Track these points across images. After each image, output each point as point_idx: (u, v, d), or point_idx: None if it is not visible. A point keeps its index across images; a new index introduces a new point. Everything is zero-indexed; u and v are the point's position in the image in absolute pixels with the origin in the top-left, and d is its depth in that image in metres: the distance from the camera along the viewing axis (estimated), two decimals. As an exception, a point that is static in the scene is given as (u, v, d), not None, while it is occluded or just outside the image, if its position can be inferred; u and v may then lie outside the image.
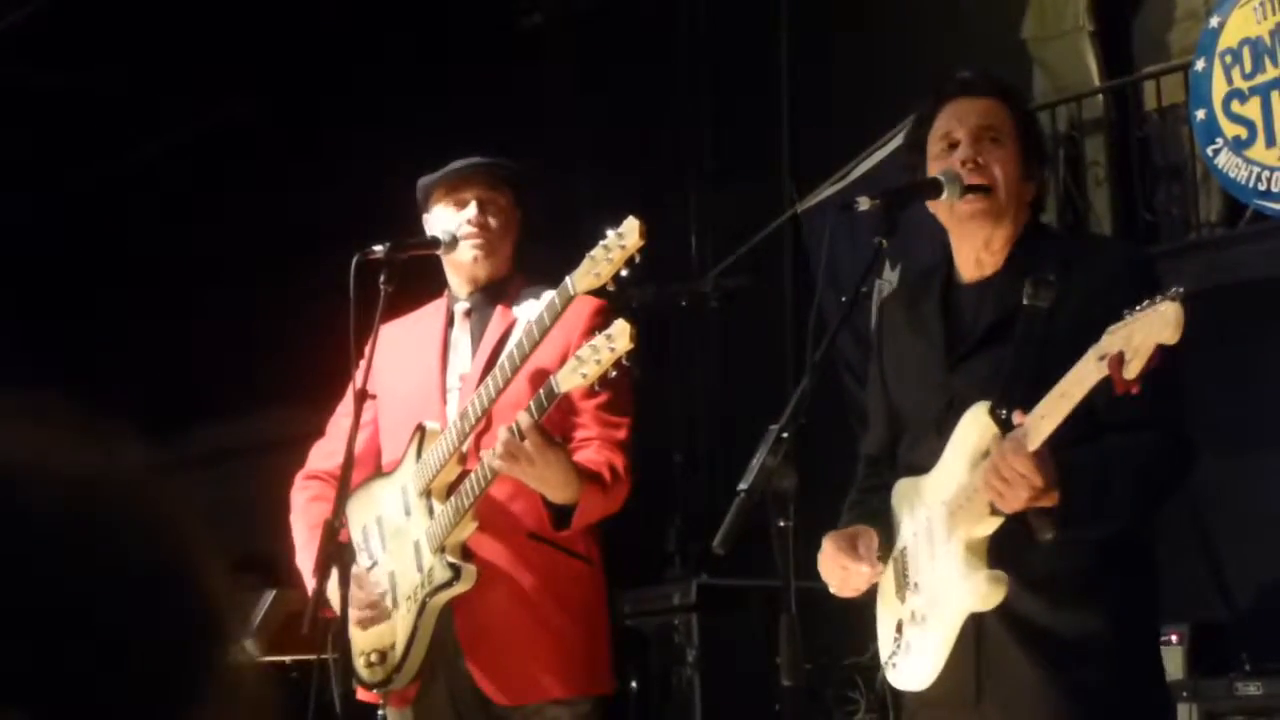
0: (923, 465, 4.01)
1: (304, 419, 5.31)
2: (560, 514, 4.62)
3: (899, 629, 4.08)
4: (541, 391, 4.47)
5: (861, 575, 4.05)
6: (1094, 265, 3.93)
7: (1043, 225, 4.24)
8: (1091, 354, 3.43)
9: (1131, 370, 3.36)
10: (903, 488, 4.08)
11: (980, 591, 3.80)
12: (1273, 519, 6.63)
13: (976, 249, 4.10)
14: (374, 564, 4.87)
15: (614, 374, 4.42)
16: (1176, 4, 7.27)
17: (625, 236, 4.45)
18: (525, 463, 4.46)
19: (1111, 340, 3.38)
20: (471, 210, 4.94)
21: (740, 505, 3.67)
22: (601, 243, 4.50)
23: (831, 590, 4.15)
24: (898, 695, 4.18)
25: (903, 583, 4.04)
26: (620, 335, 4.37)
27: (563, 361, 4.63)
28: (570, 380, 4.42)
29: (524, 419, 4.44)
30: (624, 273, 4.47)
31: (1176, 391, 3.81)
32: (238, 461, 10.58)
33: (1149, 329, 3.33)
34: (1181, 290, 3.33)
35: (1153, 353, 3.34)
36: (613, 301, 4.82)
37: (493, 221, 4.97)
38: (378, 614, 4.81)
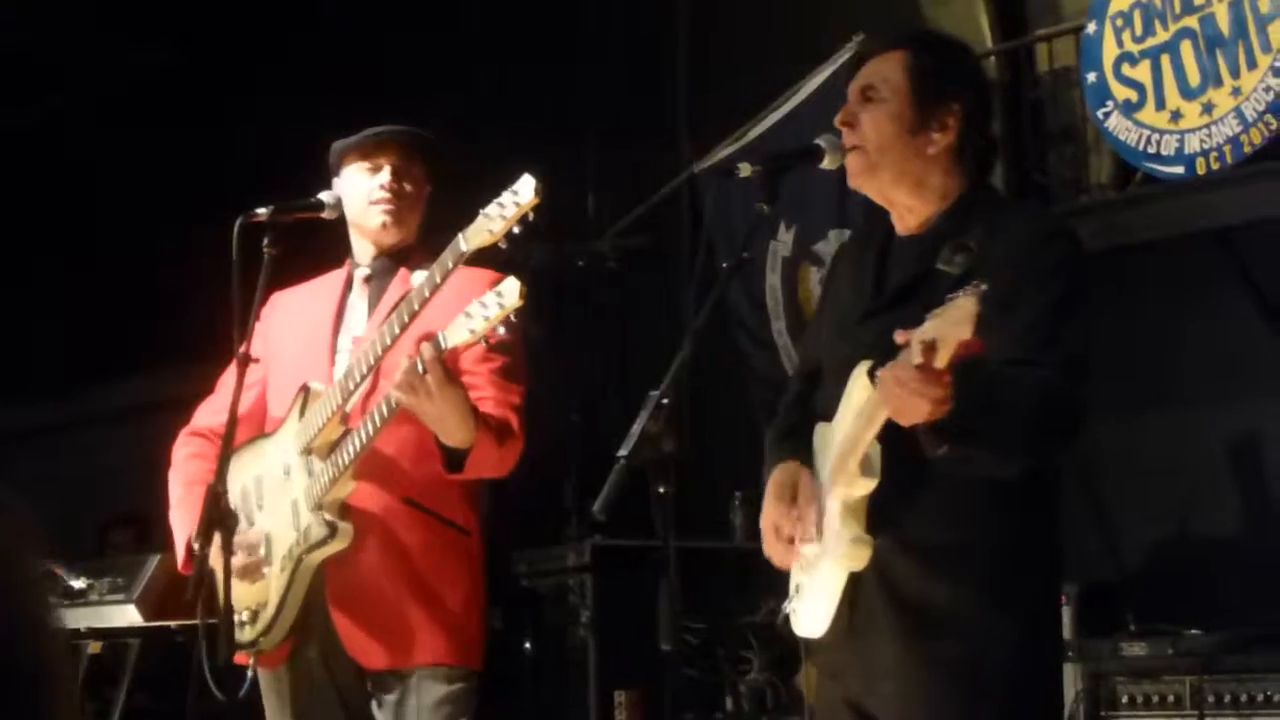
0: (828, 414, 4.02)
1: (202, 377, 5.28)
2: (453, 457, 4.60)
3: (799, 573, 4.10)
4: (428, 345, 4.44)
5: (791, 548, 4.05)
6: (1010, 233, 3.91)
7: (988, 188, 4.21)
8: (916, 336, 3.40)
9: (940, 359, 3.35)
10: (817, 433, 4.09)
11: (843, 552, 3.82)
12: (1163, 480, 6.68)
13: (888, 206, 4.11)
14: (250, 525, 4.84)
15: (503, 331, 4.40)
16: (1069, -34, 7.30)
17: (520, 193, 4.43)
18: (424, 396, 4.43)
19: (928, 326, 3.36)
20: (385, 176, 4.92)
21: (620, 472, 3.68)
22: (496, 200, 4.48)
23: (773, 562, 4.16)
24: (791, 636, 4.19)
25: (806, 529, 4.05)
26: (510, 292, 4.34)
27: None
28: (458, 335, 4.40)
29: (428, 350, 4.40)
30: (516, 230, 4.46)
31: (1070, 341, 3.79)
32: (139, 420, 10.50)
33: (952, 323, 3.31)
34: (984, 287, 3.30)
35: (957, 346, 3.32)
36: (509, 260, 4.79)
37: (406, 189, 4.96)
38: (251, 570, 4.78)
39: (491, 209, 4.47)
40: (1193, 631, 5.72)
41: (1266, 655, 5.50)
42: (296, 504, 4.75)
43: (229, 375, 5.09)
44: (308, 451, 4.76)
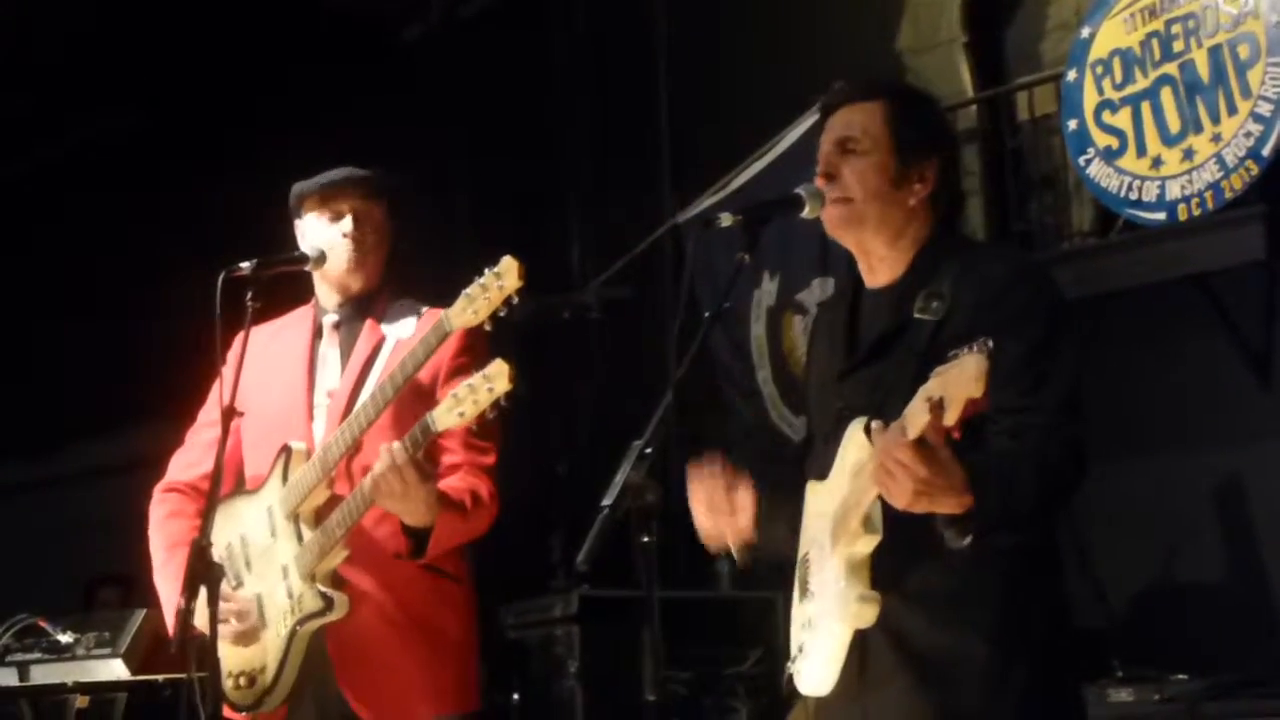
0: (821, 473, 4.00)
1: (176, 435, 5.28)
2: (417, 538, 4.61)
3: (799, 633, 4.08)
4: (417, 429, 4.46)
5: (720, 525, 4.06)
6: (983, 277, 3.89)
7: (955, 234, 4.21)
8: (921, 394, 3.40)
9: (950, 417, 3.34)
10: (809, 492, 4.07)
11: (850, 611, 3.79)
12: (1147, 526, 6.68)
13: (861, 256, 4.11)
14: (239, 584, 4.84)
15: (492, 415, 4.40)
16: (1048, 15, 7.33)
17: (503, 277, 4.43)
18: (399, 496, 4.46)
19: (934, 384, 3.36)
20: (348, 224, 4.92)
21: (603, 522, 3.67)
22: (478, 280, 4.48)
23: (698, 522, 4.15)
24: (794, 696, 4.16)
25: (804, 588, 4.03)
26: (498, 376, 4.35)
27: (431, 381, 4.64)
28: (447, 420, 4.41)
29: (400, 455, 4.42)
30: (502, 313, 4.46)
31: (1058, 380, 3.78)
32: (112, 479, 10.50)
33: (959, 381, 3.30)
34: (990, 344, 3.30)
35: (965, 404, 3.32)
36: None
37: (367, 234, 4.95)
38: (246, 634, 4.78)
39: (474, 290, 4.47)
40: (1179, 677, 5.72)
41: (1253, 701, 5.50)
42: (287, 570, 4.74)
43: (198, 426, 5.10)
44: (294, 517, 4.76)
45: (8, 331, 11.51)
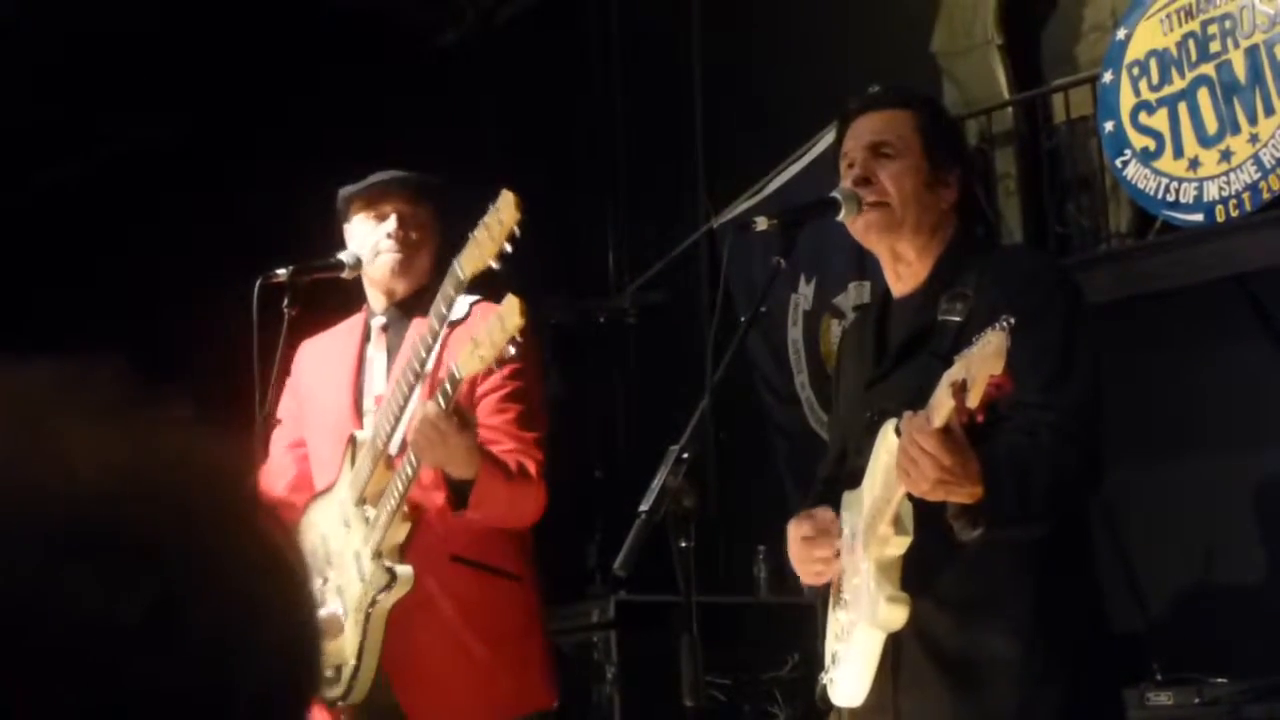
0: (854, 482, 4.01)
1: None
2: (459, 492, 4.61)
3: (833, 642, 4.07)
4: (445, 381, 4.47)
5: (823, 554, 4.04)
6: (1002, 274, 3.92)
7: (974, 238, 4.23)
8: (945, 380, 3.41)
9: (972, 399, 3.35)
10: (843, 500, 4.08)
11: (880, 613, 3.79)
12: (1186, 528, 6.66)
13: (890, 263, 4.12)
14: (325, 581, 4.86)
15: (512, 351, 4.39)
16: (1084, 17, 7.30)
17: (502, 211, 4.45)
18: (439, 445, 4.46)
19: (958, 368, 3.37)
20: (391, 224, 4.95)
21: (641, 527, 3.67)
22: (481, 221, 4.49)
23: (802, 579, 4.14)
24: (829, 707, 4.15)
25: (838, 596, 4.03)
26: (510, 312, 4.35)
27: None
28: (470, 364, 4.42)
29: (433, 410, 4.43)
30: (509, 248, 4.46)
31: (1077, 376, 3.78)
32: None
33: (983, 359, 3.32)
34: (1011, 321, 3.32)
35: (989, 383, 3.32)
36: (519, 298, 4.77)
37: (412, 235, 4.98)
38: (332, 629, 4.79)
39: (478, 232, 4.50)
40: (1219, 680, 5.70)
41: (1294, 703, 5.48)
42: (359, 555, 4.78)
43: (276, 443, 5.12)
44: (362, 501, 4.79)
45: (58, 334, 11.53)
